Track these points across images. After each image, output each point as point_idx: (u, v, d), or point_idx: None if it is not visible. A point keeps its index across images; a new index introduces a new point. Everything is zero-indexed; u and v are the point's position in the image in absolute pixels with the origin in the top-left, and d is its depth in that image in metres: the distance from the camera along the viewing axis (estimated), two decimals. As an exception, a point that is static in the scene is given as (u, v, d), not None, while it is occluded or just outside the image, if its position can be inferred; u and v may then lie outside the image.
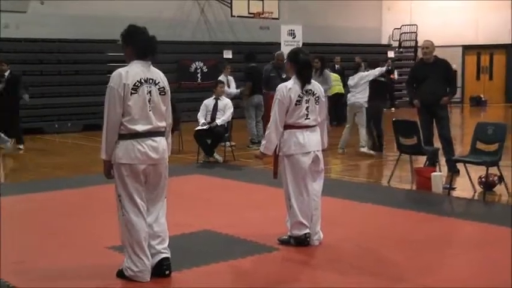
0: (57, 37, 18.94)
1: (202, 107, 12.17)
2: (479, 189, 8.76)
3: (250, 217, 7.53)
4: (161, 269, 5.27)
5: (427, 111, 10.21)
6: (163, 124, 5.31)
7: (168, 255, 5.32)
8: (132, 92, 5.10)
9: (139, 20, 18.71)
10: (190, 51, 21.86)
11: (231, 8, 21.70)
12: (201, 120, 11.93)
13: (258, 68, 14.70)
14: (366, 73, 12.94)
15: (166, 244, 5.33)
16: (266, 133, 6.26)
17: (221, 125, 11.82)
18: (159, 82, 5.28)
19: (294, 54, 6.37)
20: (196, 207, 8.14)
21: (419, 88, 10.37)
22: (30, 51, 18.42)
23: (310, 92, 6.20)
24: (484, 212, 7.93)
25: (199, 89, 20.59)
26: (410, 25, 27.54)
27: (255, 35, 22.94)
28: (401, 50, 27.50)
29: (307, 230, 6.18)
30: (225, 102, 12.09)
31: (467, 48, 27.36)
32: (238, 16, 21.80)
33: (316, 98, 6.23)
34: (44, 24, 18.66)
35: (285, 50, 22.08)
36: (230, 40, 22.85)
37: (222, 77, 14.69)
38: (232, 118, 12.55)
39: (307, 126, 6.18)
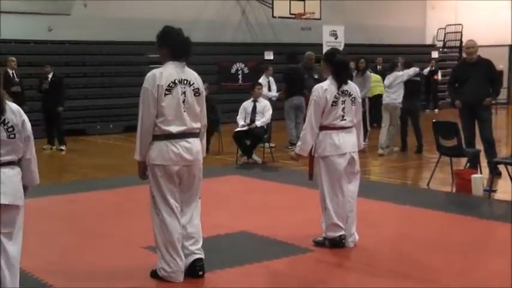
0: (98, 39, 19.14)
1: (240, 110, 12.19)
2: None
3: (287, 219, 7.50)
4: (194, 270, 5.28)
5: (469, 112, 10.03)
6: (197, 125, 5.32)
7: (202, 256, 5.33)
8: (166, 93, 5.12)
9: (179, 22, 18.79)
10: (231, 52, 21.90)
11: (272, 8, 21.65)
12: (241, 122, 11.95)
13: (297, 69, 14.63)
14: (401, 73, 12.92)
15: (199, 245, 5.34)
16: (301, 134, 6.23)
17: (260, 127, 11.82)
18: (193, 83, 5.30)
19: (331, 54, 6.34)
20: (233, 208, 8.17)
21: (461, 89, 10.19)
22: (73, 54, 18.67)
23: (346, 92, 6.15)
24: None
25: (240, 91, 20.57)
26: (455, 25, 27.15)
27: (296, 36, 22.86)
28: (445, 50, 27.12)
29: (342, 232, 6.14)
30: (264, 104, 12.08)
31: (515, 48, 26.86)
32: (279, 17, 21.75)
33: (353, 99, 6.18)
34: (86, 26, 18.87)
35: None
36: (271, 41, 22.82)
37: (262, 79, 14.69)
38: (272, 119, 12.53)
39: (343, 128, 6.13)
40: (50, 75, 14.29)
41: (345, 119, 6.14)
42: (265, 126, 12.03)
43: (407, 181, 10.13)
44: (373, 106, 17.80)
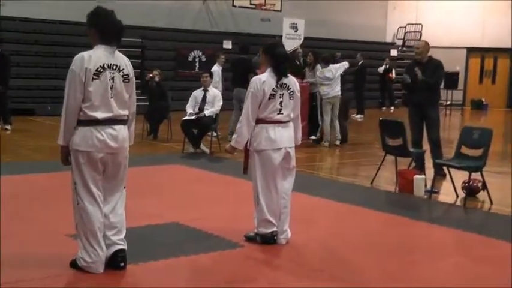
0: (53, 18, 18.72)
1: (191, 98, 12.01)
2: (462, 194, 8.55)
3: (223, 211, 7.35)
4: (116, 261, 5.10)
5: (417, 112, 10.01)
6: (125, 112, 5.12)
7: (124, 247, 5.15)
8: (94, 77, 4.91)
9: (139, 5, 18.71)
10: (189, 39, 21.65)
11: (232, -3, 21.50)
12: (189, 111, 11.77)
13: (245, 60, 14.47)
14: (338, 65, 13.71)
15: (122, 235, 5.16)
16: (237, 127, 6.06)
17: (209, 116, 11.65)
18: (123, 69, 5.09)
19: (271, 47, 6.17)
20: (170, 198, 7.98)
21: (412, 88, 10.14)
22: (25, 31, 18.20)
23: (285, 86, 6.01)
24: (461, 218, 7.72)
25: (197, 78, 20.28)
26: (415, 24, 27.28)
27: (256, 27, 22.71)
28: (404, 49, 27.24)
29: (274, 228, 6.01)
30: (214, 94, 11.91)
31: (471, 51, 27.11)
32: (239, 6, 21.57)
33: (291, 93, 6.04)
34: (41, 4, 18.43)
35: (287, 43, 21.81)
36: (231, 30, 22.62)
37: (215, 67, 14.56)
38: (221, 110, 12.37)
39: (279, 122, 5.99)
40: (-5, 52, 13.93)
41: (282, 113, 5.99)
42: (214, 116, 11.86)
43: (352, 178, 10.02)
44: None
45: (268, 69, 6.05)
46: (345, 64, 13.96)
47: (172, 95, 14.55)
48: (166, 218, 6.85)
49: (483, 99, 26.60)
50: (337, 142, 13.61)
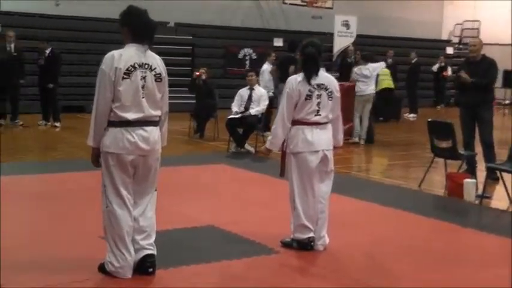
0: (106, 16, 18.80)
1: (236, 97, 11.87)
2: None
3: (262, 214, 7.18)
4: (144, 266, 4.96)
5: (468, 113, 9.64)
6: (157, 113, 4.97)
7: (153, 251, 5.01)
8: (124, 76, 4.78)
9: (190, 4, 18.68)
10: (239, 37, 21.51)
11: (284, -6, 21.28)
12: (234, 109, 11.63)
13: (293, 58, 14.18)
14: (376, 65, 13.73)
15: (152, 240, 5.02)
16: (272, 128, 5.88)
17: (254, 115, 11.48)
18: (155, 68, 4.96)
19: (303, 45, 5.96)
20: (209, 199, 7.83)
21: (463, 88, 9.78)
22: (78, 30, 18.35)
23: (322, 86, 5.79)
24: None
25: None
26: (472, 21, 26.58)
27: (307, 24, 22.44)
28: (460, 46, 26.55)
29: (311, 234, 5.80)
30: (260, 93, 11.74)
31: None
32: (290, 4, 21.34)
33: (329, 93, 5.82)
34: (94, 3, 18.56)
35: (338, 41, 21.66)
36: (282, 28, 22.40)
37: (266, 66, 14.40)
38: (271, 108, 12.22)
39: (317, 123, 5.77)
40: (47, 51, 14.04)
41: (320, 114, 5.77)
42: (259, 115, 11.68)
43: (400, 181, 9.70)
44: (380, 99, 17.46)
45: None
46: (382, 64, 14.25)
47: (220, 93, 14.43)
48: (203, 220, 6.70)
49: (543, 98, 25.74)
50: (362, 142, 13.40)
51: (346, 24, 21.80)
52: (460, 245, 6.41)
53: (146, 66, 4.89)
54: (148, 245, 4.98)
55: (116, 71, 4.75)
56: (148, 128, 4.90)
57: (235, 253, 5.65)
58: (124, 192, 4.86)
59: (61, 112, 14.55)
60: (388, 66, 19.40)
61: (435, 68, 23.15)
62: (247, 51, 21.25)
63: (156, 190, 5.12)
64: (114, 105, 4.78)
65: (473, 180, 8.34)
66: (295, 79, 5.79)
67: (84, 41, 18.42)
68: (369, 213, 7.47)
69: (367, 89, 13.39)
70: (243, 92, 11.83)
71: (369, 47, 22.21)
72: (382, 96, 17.85)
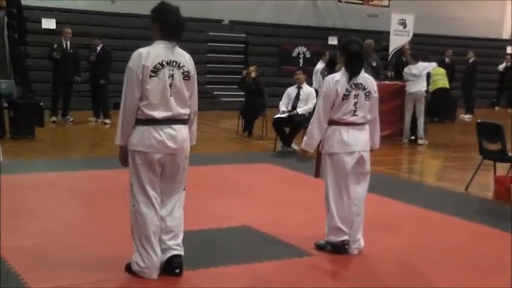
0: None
1: (284, 95, 11.77)
2: None
3: (301, 215, 7.06)
4: (171, 267, 4.90)
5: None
6: (185, 111, 4.90)
7: (180, 252, 4.94)
8: (152, 74, 4.72)
9: (244, 3, 18.72)
10: (294, 35, 21.39)
11: (339, -8, 21.05)
12: (282, 108, 11.53)
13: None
14: (427, 64, 13.55)
15: (179, 240, 4.95)
16: (308, 128, 5.74)
17: (301, 115, 11.34)
18: (183, 65, 4.88)
19: (346, 43, 5.80)
20: (250, 199, 7.74)
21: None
22: (132, 27, 18.51)
23: (360, 86, 5.63)
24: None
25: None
26: (535, 20, 25.84)
27: (363, 23, 22.18)
28: (522, 45, 25.84)
29: (346, 237, 5.65)
30: (308, 92, 11.60)
31: None
32: (346, 2, 21.09)
33: (367, 93, 5.65)
34: (142, 2, 18.65)
35: (394, 40, 21.28)
36: (338, 26, 22.17)
37: (319, 65, 14.29)
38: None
39: (353, 124, 5.62)
40: (99, 48, 14.18)
41: (357, 115, 5.62)
42: (307, 115, 11.53)
43: (447, 183, 9.43)
44: (435, 100, 17.15)
45: (343, 68, 5.70)
46: (433, 64, 14.14)
47: (274, 91, 14.35)
48: (240, 220, 6.62)
49: None
50: (420, 141, 13.22)
51: (403, 23, 21.37)
52: (502, 252, 6.13)
53: (174, 63, 4.82)
54: (176, 246, 4.92)
55: (144, 69, 4.69)
56: (177, 126, 4.83)
57: (267, 255, 5.55)
58: (151, 192, 4.81)
59: (112, 109, 14.68)
60: (446, 66, 19.04)
61: (501, 67, 22.59)
62: (302, 49, 21.14)
63: (184, 189, 5.05)
64: (142, 104, 4.73)
65: (523, 184, 8.04)
66: (333, 78, 5.65)
67: (136, 39, 18.53)
68: (410, 217, 7.27)
69: (416, 87, 13.23)
70: (291, 90, 11.72)
71: (426, 46, 21.87)
72: (437, 96, 17.55)
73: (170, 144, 4.79)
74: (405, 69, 13.49)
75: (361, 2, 21.22)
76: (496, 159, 8.68)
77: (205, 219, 6.56)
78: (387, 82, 13.97)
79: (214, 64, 19.58)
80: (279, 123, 11.41)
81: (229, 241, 5.96)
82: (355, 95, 5.60)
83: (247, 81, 13.35)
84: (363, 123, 5.67)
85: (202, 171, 9.26)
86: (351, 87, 5.59)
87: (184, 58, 4.92)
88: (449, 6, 24.42)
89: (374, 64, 13.69)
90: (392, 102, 13.45)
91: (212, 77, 19.60)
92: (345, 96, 5.57)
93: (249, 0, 20.42)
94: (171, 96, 4.79)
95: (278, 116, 11.42)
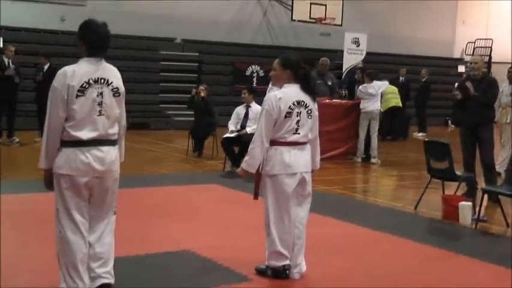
0: (111, 32, 18.63)
1: (233, 115, 11.60)
2: (514, 224, 7.79)
3: (244, 239, 6.83)
4: (100, 296, 4.64)
5: (469, 133, 9.32)
6: (114, 130, 4.66)
7: (110, 281, 4.68)
8: (79, 94, 4.48)
9: (200, 19, 18.46)
10: (247, 53, 21.28)
11: (292, 11, 20.99)
12: (231, 128, 11.35)
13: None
14: (380, 83, 13.67)
15: (109, 267, 4.69)
16: (250, 148, 5.53)
17: (250, 134, 11.13)
18: (112, 82, 4.64)
19: (291, 60, 5.63)
20: (192, 222, 7.50)
21: (464, 107, 9.45)
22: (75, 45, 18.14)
23: (302, 103, 5.46)
24: (505, 252, 6.93)
25: (257, 94, 19.96)
26: (485, 39, 26.16)
27: (317, 41, 22.18)
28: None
29: (287, 262, 5.46)
30: (257, 110, 11.30)
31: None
32: (299, 21, 21.07)
33: (309, 111, 5.49)
34: (100, 19, 18.31)
35: (348, 58, 21.33)
36: (291, 45, 22.12)
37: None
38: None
39: (295, 143, 5.44)
40: (46, 67, 13.85)
41: (299, 133, 5.44)
42: (256, 134, 11.35)
43: (395, 202, 9.32)
44: (388, 118, 17.16)
45: (286, 85, 5.52)
46: (386, 83, 14.45)
47: (227, 110, 14.13)
48: (181, 244, 6.38)
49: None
50: (373, 160, 13.22)
51: (356, 42, 21.47)
52: (450, 273, 6.00)
53: (102, 81, 4.59)
54: (105, 273, 4.66)
55: (69, 89, 4.45)
56: (105, 148, 4.59)
57: (205, 281, 5.34)
58: (78, 217, 4.55)
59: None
60: (400, 84, 19.12)
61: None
62: (255, 68, 21.01)
63: (115, 214, 4.80)
64: (67, 124, 4.49)
65: (469, 203, 7.95)
66: (275, 96, 5.46)
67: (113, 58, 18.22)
68: (357, 238, 7.11)
69: (372, 105, 13.25)
70: (240, 109, 11.56)
71: (379, 64, 21.94)
72: (390, 114, 17.57)
73: (97, 166, 4.54)
74: (360, 88, 13.44)
75: (313, 21, 21.16)
76: (444, 178, 8.60)
77: (144, 244, 6.32)
78: (340, 100, 13.94)
79: (167, 83, 19.36)
80: (228, 143, 11.22)
81: (166, 267, 5.71)
82: (297, 112, 5.43)
83: (197, 100, 13.13)
84: (304, 143, 5.50)
85: (148, 193, 9.04)
86: (294, 104, 5.42)
87: (113, 74, 4.71)
88: (401, 26, 24.61)
89: (329, 83, 13.65)
90: (346, 120, 13.42)
91: (165, 96, 19.37)
92: (288, 114, 5.40)
93: (202, 19, 20.27)
94: (100, 115, 4.56)
95: (227, 135, 11.24)
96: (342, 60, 21.27)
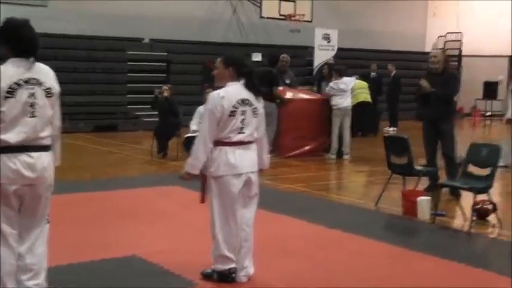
0: (74, 33, 18.42)
1: (195, 114, 11.46)
2: (473, 217, 7.67)
3: (196, 242, 6.60)
4: (30, 310, 4.45)
5: (430, 126, 9.26)
6: (46, 133, 4.43)
7: (40, 293, 4.49)
8: (7, 96, 4.26)
9: (165, 20, 18.20)
10: (217, 52, 21.02)
11: (260, 8, 20.84)
12: (193, 127, 11.19)
13: (270, 72, 13.76)
14: (350, 79, 13.62)
15: (40, 279, 4.48)
16: (192, 149, 5.38)
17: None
18: (43, 82, 4.43)
19: (234, 58, 5.50)
20: (145, 226, 7.32)
21: (425, 101, 9.37)
22: (45, 47, 17.85)
23: (247, 102, 5.32)
24: (460, 246, 6.85)
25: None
26: (455, 33, 26.17)
27: (287, 38, 22.03)
28: (444, 58, 26.02)
29: (233, 265, 5.32)
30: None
31: (515, 59, 25.70)
32: (268, 17, 20.92)
33: (254, 110, 5.35)
34: (61, 19, 18.11)
35: (319, 54, 21.23)
36: (262, 42, 21.96)
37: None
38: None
39: (240, 143, 5.29)
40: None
41: (244, 132, 5.30)
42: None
43: (359, 199, 9.20)
44: (357, 114, 17.07)
45: (230, 83, 5.38)
46: (354, 78, 14.35)
47: (194, 110, 13.96)
48: (127, 249, 6.20)
49: (526, 110, 25.19)
50: (346, 157, 13.14)
51: (327, 38, 21.39)
52: (406, 271, 5.89)
53: (34, 81, 4.38)
54: (35, 286, 4.45)
55: (-4, 92, 4.27)
56: (35, 154, 4.38)
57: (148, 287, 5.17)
58: (6, 228, 4.33)
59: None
60: (371, 80, 19.05)
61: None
62: (224, 66, 20.79)
63: (48, 222, 4.61)
64: None
65: (427, 198, 7.85)
66: (218, 94, 5.32)
67: (52, 59, 17.93)
68: (313, 238, 6.97)
69: (345, 101, 13.17)
70: (202, 109, 11.34)
71: (350, 60, 21.87)
72: (360, 110, 17.48)
73: (27, 173, 4.34)
74: (332, 85, 13.26)
75: (283, 17, 21.02)
76: (404, 173, 8.50)
77: (92, 250, 6.15)
78: (309, 96, 13.84)
79: (135, 84, 19.10)
80: (190, 143, 11.00)
81: (109, 274, 5.54)
82: (242, 111, 5.29)
83: (160, 100, 12.96)
84: (250, 142, 5.36)
85: (107, 197, 8.88)
86: (238, 103, 5.28)
87: (46, 74, 4.50)
88: (372, 21, 24.55)
89: (288, 81, 13.48)
90: (315, 117, 13.29)
91: (133, 97, 19.12)
92: (232, 113, 5.25)
93: (170, 18, 20.07)
94: (32, 117, 4.34)
95: (189, 135, 11.08)
96: (313, 57, 21.16)
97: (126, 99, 19.02)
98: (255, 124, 5.38)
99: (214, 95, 5.34)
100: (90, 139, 15.88)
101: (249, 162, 5.35)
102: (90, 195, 8.83)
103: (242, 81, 5.38)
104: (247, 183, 5.34)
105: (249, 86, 5.39)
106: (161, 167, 12.01)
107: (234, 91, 5.32)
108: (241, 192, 5.33)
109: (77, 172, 10.62)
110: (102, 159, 12.66)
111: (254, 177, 5.39)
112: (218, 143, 5.28)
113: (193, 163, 5.34)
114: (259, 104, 5.43)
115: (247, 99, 5.33)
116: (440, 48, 9.64)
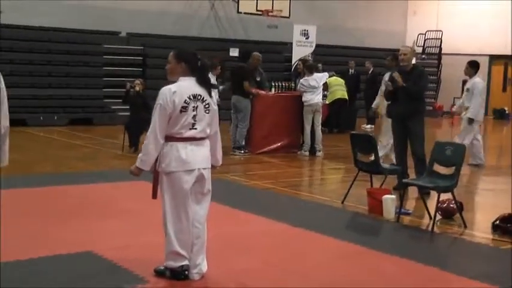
0: (49, 25, 18.23)
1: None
2: (438, 216, 7.63)
3: (155, 238, 6.49)
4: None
5: (399, 124, 9.20)
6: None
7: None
8: None
9: (142, 14, 18.04)
10: (195, 47, 20.89)
11: (238, 3, 20.73)
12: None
13: (244, 67, 13.68)
14: (321, 75, 13.63)
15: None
16: (143, 144, 5.29)
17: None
18: None
19: (186, 53, 5.41)
20: (105, 221, 7.19)
21: (395, 98, 9.31)
22: (20, 39, 17.66)
23: (199, 97, 5.22)
24: (422, 246, 6.79)
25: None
26: (435, 31, 26.20)
27: (265, 34, 21.96)
28: (424, 56, 26.10)
29: (185, 262, 5.23)
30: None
31: (494, 58, 25.75)
32: (245, 13, 20.83)
33: (206, 105, 5.26)
34: (37, 11, 17.94)
35: (297, 50, 21.15)
36: (240, 38, 21.87)
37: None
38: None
39: (192, 139, 5.20)
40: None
41: (196, 128, 5.20)
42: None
43: (326, 197, 9.13)
44: (334, 111, 17.07)
45: (182, 78, 5.29)
46: (326, 74, 14.33)
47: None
48: (83, 245, 6.09)
49: (506, 109, 25.32)
50: (318, 153, 13.12)
51: (305, 34, 21.30)
52: (363, 272, 5.80)
53: None
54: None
55: None
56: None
57: (99, 284, 5.07)
58: None
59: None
60: (350, 77, 19.01)
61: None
62: (202, 61, 20.67)
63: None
64: None
65: (392, 197, 7.80)
66: (169, 89, 5.22)
67: (27, 51, 17.76)
68: (274, 235, 6.88)
69: (315, 98, 13.14)
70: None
71: (329, 56, 21.85)
72: (336, 107, 17.47)
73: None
74: (302, 81, 13.28)
75: (260, 13, 20.94)
76: (371, 171, 8.44)
77: (45, 246, 6.03)
78: (279, 93, 13.78)
79: (111, 78, 18.94)
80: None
81: (59, 270, 5.42)
82: (194, 107, 5.19)
83: (132, 95, 12.82)
84: (202, 138, 5.26)
85: (70, 191, 8.76)
86: (190, 98, 5.18)
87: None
88: (351, 17, 24.53)
89: (258, 79, 13.36)
90: (287, 114, 13.23)
91: (109, 91, 18.95)
92: (183, 109, 5.15)
93: (147, 12, 19.93)
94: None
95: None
96: (291, 53, 21.10)
97: (102, 93, 18.84)
98: (207, 120, 5.28)
99: (165, 90, 5.24)
100: (65, 133, 15.71)
101: (201, 158, 5.26)
102: (51, 190, 8.70)
103: (195, 77, 5.29)
104: (200, 179, 5.25)
105: (201, 82, 5.30)
106: (131, 162, 11.76)
107: (186, 86, 5.23)
108: (193, 189, 5.24)
109: (42, 165, 10.47)
110: (72, 153, 12.51)
111: (207, 174, 5.30)
112: (169, 138, 5.19)
113: (144, 159, 5.27)
114: (212, 100, 5.34)
115: (199, 95, 5.24)
116: (409, 46, 9.52)
